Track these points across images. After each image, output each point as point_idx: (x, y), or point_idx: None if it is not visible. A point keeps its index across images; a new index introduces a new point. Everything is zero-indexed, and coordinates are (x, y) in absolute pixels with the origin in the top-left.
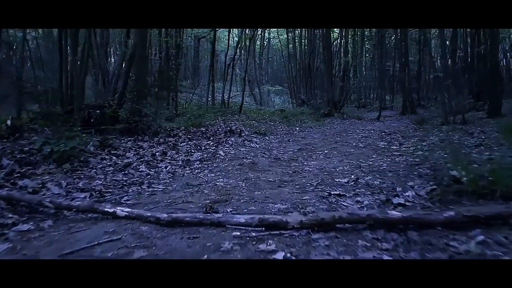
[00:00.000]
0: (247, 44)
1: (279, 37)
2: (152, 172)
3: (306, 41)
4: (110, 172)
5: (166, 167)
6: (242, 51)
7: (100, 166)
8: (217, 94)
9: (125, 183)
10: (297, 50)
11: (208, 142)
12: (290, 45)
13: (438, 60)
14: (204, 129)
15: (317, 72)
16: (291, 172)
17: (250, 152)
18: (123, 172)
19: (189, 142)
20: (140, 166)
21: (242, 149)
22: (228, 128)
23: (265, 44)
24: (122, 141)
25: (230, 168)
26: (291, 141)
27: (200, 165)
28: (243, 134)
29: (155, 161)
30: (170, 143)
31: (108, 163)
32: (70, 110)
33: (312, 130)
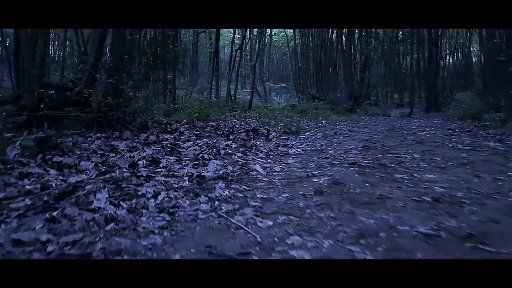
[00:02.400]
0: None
1: (285, 31)
2: (122, 213)
3: (312, 36)
4: (15, 213)
5: (155, 197)
6: (249, 36)
7: (3, 195)
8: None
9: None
10: (308, 42)
11: (228, 143)
12: (297, 40)
13: (450, 55)
14: (214, 123)
15: (329, 65)
16: (428, 199)
17: (304, 162)
18: (48, 216)
19: (198, 141)
20: (99, 195)
21: (289, 160)
22: (250, 127)
23: (266, 41)
24: (89, 138)
25: (301, 204)
26: (339, 135)
27: (227, 193)
28: (270, 136)
29: (134, 181)
30: (166, 142)
31: (28, 187)
32: (19, 95)
33: (347, 125)
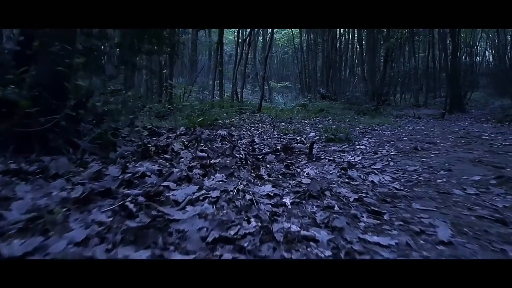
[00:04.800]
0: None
1: (291, 29)
2: None
3: (322, 32)
4: None
5: None
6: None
7: None
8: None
9: None
10: (316, 38)
11: (269, 190)
12: (303, 36)
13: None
14: (224, 132)
15: (340, 62)
16: None
17: (471, 240)
18: None
19: (206, 183)
20: None
21: (435, 230)
22: (279, 145)
23: (267, 40)
24: None
25: None
26: (423, 151)
27: None
28: (314, 152)
29: None
30: (136, 191)
31: None
32: None
33: (394, 131)
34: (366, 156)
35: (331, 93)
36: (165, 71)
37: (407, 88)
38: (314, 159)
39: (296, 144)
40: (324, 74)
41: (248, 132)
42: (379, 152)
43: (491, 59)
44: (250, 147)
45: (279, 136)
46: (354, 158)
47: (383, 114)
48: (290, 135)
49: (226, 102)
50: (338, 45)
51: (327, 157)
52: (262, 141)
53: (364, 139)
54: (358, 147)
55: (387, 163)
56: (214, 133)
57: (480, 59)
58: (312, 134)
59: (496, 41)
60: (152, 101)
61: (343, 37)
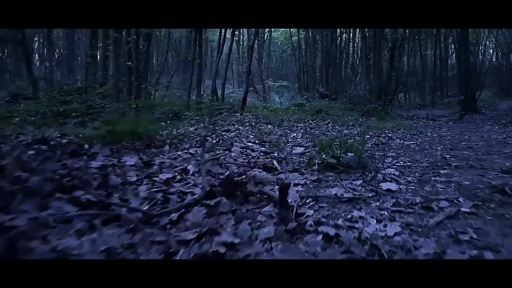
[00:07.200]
0: None
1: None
2: None
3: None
4: None
5: None
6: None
7: None
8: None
9: None
10: (315, 34)
11: None
12: (301, 34)
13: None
14: (134, 159)
15: (341, 57)
16: None
17: None
18: None
19: None
20: None
21: None
22: (226, 175)
23: (266, 38)
24: None
25: None
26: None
27: None
28: (293, 204)
29: None
30: None
31: None
32: None
33: (419, 140)
34: (409, 215)
35: (331, 92)
36: (129, 63)
37: (411, 87)
38: (289, 227)
39: (258, 171)
40: (323, 72)
41: (191, 151)
42: (433, 206)
43: (494, 58)
44: (161, 195)
45: (246, 147)
46: (383, 224)
47: (391, 115)
48: (265, 147)
49: (204, 102)
50: (338, 40)
51: (320, 225)
52: (203, 164)
53: (387, 161)
54: (383, 186)
55: (474, 251)
56: (118, 161)
57: (486, 58)
58: (299, 149)
59: (501, 39)
60: (119, 100)
61: (344, 34)
